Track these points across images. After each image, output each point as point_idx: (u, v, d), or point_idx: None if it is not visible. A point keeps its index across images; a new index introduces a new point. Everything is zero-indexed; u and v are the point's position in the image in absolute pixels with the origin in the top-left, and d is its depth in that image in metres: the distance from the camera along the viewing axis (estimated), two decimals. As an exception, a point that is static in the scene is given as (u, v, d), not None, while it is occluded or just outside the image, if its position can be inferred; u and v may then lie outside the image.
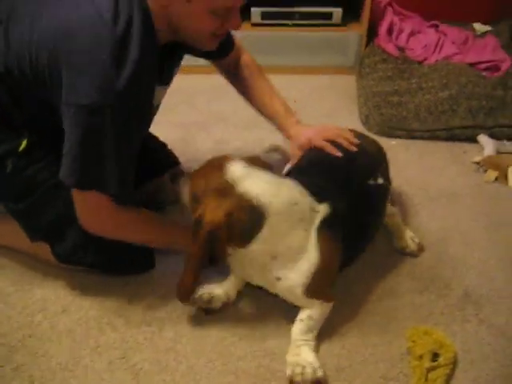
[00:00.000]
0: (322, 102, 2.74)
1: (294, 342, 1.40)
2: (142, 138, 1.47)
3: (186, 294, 1.42)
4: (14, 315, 1.56)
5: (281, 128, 1.80)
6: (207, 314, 1.53)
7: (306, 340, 1.40)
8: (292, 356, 1.37)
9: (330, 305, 1.45)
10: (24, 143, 1.53)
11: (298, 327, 1.41)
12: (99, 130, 1.31)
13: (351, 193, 1.51)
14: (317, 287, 1.39)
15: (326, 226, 1.40)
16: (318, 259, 1.37)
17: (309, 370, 1.32)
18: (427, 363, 1.35)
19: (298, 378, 1.32)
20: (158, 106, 1.64)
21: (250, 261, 1.39)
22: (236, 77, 1.87)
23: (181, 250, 1.53)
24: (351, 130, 1.76)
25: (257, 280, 1.47)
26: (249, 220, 1.31)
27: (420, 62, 2.76)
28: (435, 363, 1.36)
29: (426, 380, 1.33)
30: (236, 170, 1.35)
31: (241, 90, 1.88)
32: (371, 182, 1.60)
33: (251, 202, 1.31)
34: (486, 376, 1.37)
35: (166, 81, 1.61)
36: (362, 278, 1.65)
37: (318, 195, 1.42)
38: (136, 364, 1.41)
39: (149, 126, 1.65)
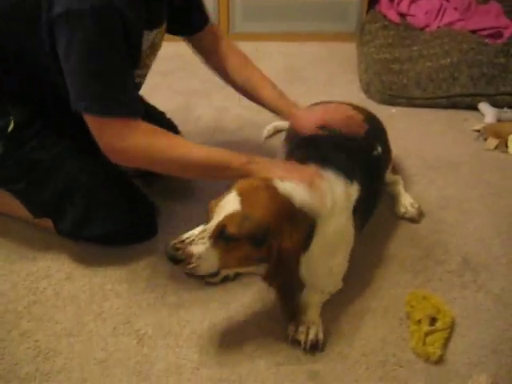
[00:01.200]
0: (321, 69, 2.73)
1: (303, 302, 1.42)
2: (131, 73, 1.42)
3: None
4: (19, 282, 1.58)
5: (281, 115, 1.70)
6: (206, 285, 1.53)
7: (315, 303, 1.43)
8: (298, 314, 1.40)
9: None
10: (12, 124, 1.52)
11: (315, 295, 1.43)
12: (88, 41, 1.27)
13: (362, 168, 1.51)
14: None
15: (356, 209, 1.42)
16: (351, 243, 1.43)
17: (312, 331, 1.36)
18: (425, 327, 1.38)
19: (301, 337, 1.36)
20: (155, 47, 1.59)
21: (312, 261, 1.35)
22: (218, 64, 1.76)
23: (229, 176, 1.38)
24: (347, 104, 1.73)
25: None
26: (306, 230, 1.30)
27: (421, 29, 2.75)
28: (433, 327, 1.39)
29: (424, 344, 1.36)
30: (286, 188, 1.28)
31: (226, 77, 1.77)
32: (375, 153, 1.61)
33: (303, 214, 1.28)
34: (483, 341, 1.39)
35: (155, 23, 1.52)
36: (362, 244, 1.66)
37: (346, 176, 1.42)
38: (140, 329, 1.43)
39: (137, 66, 1.53)
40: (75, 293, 1.54)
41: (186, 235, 1.23)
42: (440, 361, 1.34)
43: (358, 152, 1.54)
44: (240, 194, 1.24)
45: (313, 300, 1.43)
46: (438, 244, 1.68)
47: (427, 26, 2.75)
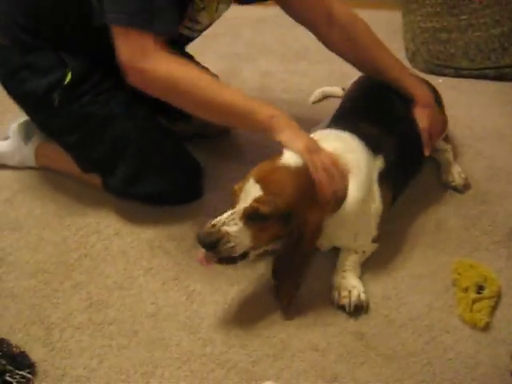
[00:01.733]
0: (366, 37, 2.68)
1: (342, 267, 1.44)
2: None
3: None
4: (70, 236, 1.62)
5: (399, 85, 1.63)
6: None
7: (353, 266, 1.44)
8: (338, 279, 1.42)
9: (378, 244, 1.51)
10: (69, 76, 1.53)
11: (350, 256, 1.45)
12: None
13: (394, 133, 1.53)
14: (378, 233, 1.47)
15: (384, 176, 1.45)
16: (383, 210, 1.44)
17: (355, 293, 1.38)
18: (473, 295, 1.38)
19: (344, 301, 1.37)
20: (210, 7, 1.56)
21: (339, 224, 1.39)
22: (331, 37, 1.65)
23: (250, 127, 1.39)
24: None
25: (335, 243, 1.48)
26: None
27: (471, -2, 2.67)
28: (480, 295, 1.39)
29: (471, 311, 1.36)
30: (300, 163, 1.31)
31: (345, 55, 1.68)
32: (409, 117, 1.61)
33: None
34: (529, 311, 1.39)
35: None
36: (409, 212, 1.67)
37: (371, 145, 1.46)
38: (189, 285, 1.46)
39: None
40: (124, 248, 1.58)
41: (214, 221, 1.26)
42: (486, 328, 1.34)
43: (395, 124, 1.57)
44: (261, 178, 1.27)
45: (349, 262, 1.45)
46: (485, 214, 1.67)
47: (476, -6, 2.68)
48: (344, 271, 1.43)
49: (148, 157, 1.62)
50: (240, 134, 1.99)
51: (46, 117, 1.63)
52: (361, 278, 1.45)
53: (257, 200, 1.24)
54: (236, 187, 1.30)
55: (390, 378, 1.24)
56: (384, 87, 1.66)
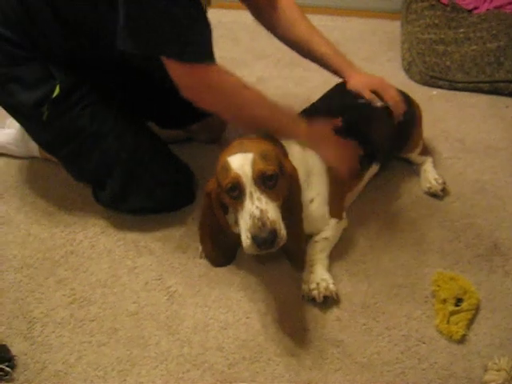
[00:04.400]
0: (363, 45, 2.70)
1: (309, 262, 1.47)
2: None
3: None
4: (58, 232, 1.64)
5: (336, 71, 1.71)
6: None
7: (320, 259, 1.48)
8: (307, 274, 1.45)
9: (344, 224, 1.57)
10: (57, 89, 1.52)
11: (313, 247, 1.49)
12: None
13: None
14: (333, 204, 1.52)
15: None
16: (327, 177, 1.49)
17: (323, 284, 1.41)
18: (451, 307, 1.40)
19: (314, 293, 1.40)
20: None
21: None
22: (272, 19, 1.74)
23: (280, 131, 1.46)
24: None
25: None
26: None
27: (470, 11, 2.69)
28: (458, 307, 1.40)
29: (448, 322, 1.38)
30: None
31: (281, 33, 1.76)
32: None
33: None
34: (507, 324, 1.40)
35: None
36: (393, 222, 1.68)
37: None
38: (171, 286, 1.48)
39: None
40: (110, 247, 1.60)
41: (250, 214, 1.21)
42: (462, 340, 1.36)
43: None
44: (243, 147, 1.29)
45: (315, 256, 1.48)
46: (470, 227, 1.68)
47: (476, 8, 2.69)
48: (311, 266, 1.46)
49: (136, 176, 1.62)
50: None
51: (35, 129, 1.63)
52: (340, 286, 1.47)
53: (255, 164, 1.24)
54: (231, 175, 1.26)
55: (364, 385, 1.26)
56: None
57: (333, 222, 1.52)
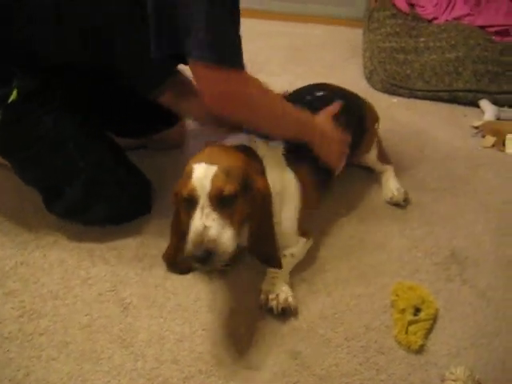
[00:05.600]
0: (326, 52, 2.71)
1: (270, 274, 1.45)
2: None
3: None
4: (7, 242, 1.58)
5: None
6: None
7: (282, 273, 1.46)
8: (267, 285, 1.43)
9: (310, 243, 1.57)
10: (14, 94, 1.46)
11: None
12: None
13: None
14: (302, 223, 1.50)
15: (291, 154, 1.49)
16: (299, 195, 1.48)
17: (282, 296, 1.39)
18: (409, 317, 1.39)
19: (272, 303, 1.38)
20: None
21: None
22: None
23: (302, 137, 1.49)
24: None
25: None
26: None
27: (430, 21, 2.73)
28: (416, 317, 1.40)
29: (407, 332, 1.37)
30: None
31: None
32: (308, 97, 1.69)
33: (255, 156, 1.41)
34: (464, 334, 1.40)
35: None
36: (353, 232, 1.68)
37: None
38: (125, 298, 1.44)
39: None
40: (63, 257, 1.55)
41: (193, 228, 1.19)
42: (420, 350, 1.35)
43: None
44: (208, 160, 1.26)
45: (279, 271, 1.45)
46: (428, 236, 1.69)
47: (436, 18, 2.73)
48: (273, 277, 1.44)
49: (99, 185, 1.57)
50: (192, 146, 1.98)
51: None
52: (299, 296, 1.45)
53: (215, 181, 1.21)
54: (182, 185, 1.25)
55: (322, 398, 1.24)
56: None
57: (302, 240, 1.52)
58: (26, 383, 1.24)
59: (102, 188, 1.58)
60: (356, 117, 1.73)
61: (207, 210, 1.20)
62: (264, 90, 1.40)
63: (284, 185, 1.45)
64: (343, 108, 1.65)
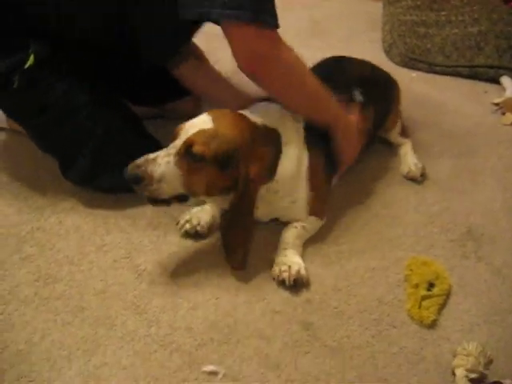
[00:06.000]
0: (344, 25, 2.67)
1: (283, 245, 1.46)
2: None
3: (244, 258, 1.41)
4: (24, 207, 1.59)
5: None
6: (196, 239, 1.52)
7: (294, 244, 1.46)
8: (280, 257, 1.43)
9: (322, 222, 1.55)
10: (31, 59, 1.46)
11: (290, 232, 1.48)
12: None
13: None
14: (315, 203, 1.48)
15: (311, 133, 1.47)
16: (309, 171, 1.45)
17: (295, 267, 1.39)
18: (422, 291, 1.39)
19: (284, 275, 1.38)
20: None
21: (275, 193, 1.41)
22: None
23: (321, 119, 1.47)
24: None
25: (273, 213, 1.50)
26: (272, 149, 1.37)
27: (452, -6, 2.66)
28: (430, 292, 1.40)
29: (420, 307, 1.37)
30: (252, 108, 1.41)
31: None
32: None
33: (272, 134, 1.37)
34: (477, 310, 1.40)
35: None
36: (368, 205, 1.67)
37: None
38: (140, 265, 1.44)
39: None
40: (79, 223, 1.55)
41: (151, 155, 1.25)
42: (433, 325, 1.35)
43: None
44: (212, 116, 1.28)
45: (290, 240, 1.46)
46: (445, 212, 1.68)
47: (458, -10, 2.67)
48: (285, 249, 1.44)
49: (108, 153, 1.57)
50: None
51: (3, 97, 1.56)
52: (312, 268, 1.45)
53: (198, 133, 1.24)
54: (182, 124, 1.29)
55: (333, 369, 1.24)
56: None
57: (312, 217, 1.51)
58: (41, 346, 1.26)
59: (109, 156, 1.57)
60: (385, 94, 1.71)
61: (172, 150, 1.24)
62: (297, 57, 1.37)
63: (299, 170, 1.43)
64: (372, 84, 1.65)
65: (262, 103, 1.49)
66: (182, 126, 1.30)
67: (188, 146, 1.24)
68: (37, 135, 1.62)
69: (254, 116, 1.39)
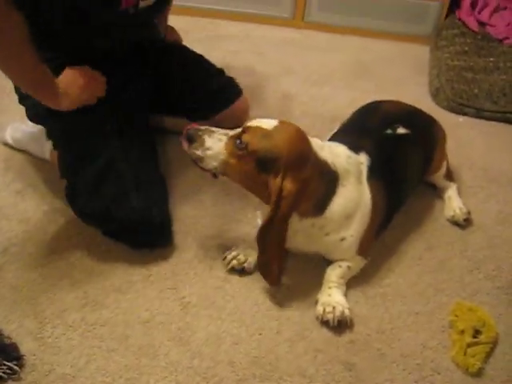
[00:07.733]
0: (392, 68, 2.69)
1: (327, 284, 1.46)
2: None
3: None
4: (74, 235, 1.63)
5: None
6: (241, 275, 1.53)
7: (339, 283, 1.46)
8: (324, 296, 1.43)
9: (366, 261, 1.53)
10: None
11: (334, 271, 1.48)
12: None
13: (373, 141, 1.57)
14: (364, 243, 1.47)
15: (373, 174, 1.48)
16: (371, 211, 1.46)
17: (339, 308, 1.38)
18: (468, 338, 1.36)
19: (328, 316, 1.38)
20: None
21: (320, 228, 1.41)
22: None
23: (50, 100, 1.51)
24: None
25: (315, 247, 1.49)
26: (325, 185, 1.38)
27: (500, 41, 2.67)
28: (476, 339, 1.37)
29: (465, 354, 1.34)
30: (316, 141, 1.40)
31: None
32: (389, 131, 1.63)
33: (326, 167, 1.38)
34: (525, 361, 1.37)
35: None
36: (413, 249, 1.66)
37: (353, 147, 1.51)
38: (185, 297, 1.46)
39: None
40: (126, 252, 1.58)
41: (213, 128, 1.37)
42: (479, 374, 1.32)
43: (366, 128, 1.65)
44: (278, 123, 1.34)
45: (334, 278, 1.46)
46: (490, 259, 1.65)
47: (507, 37, 2.67)
48: (329, 288, 1.44)
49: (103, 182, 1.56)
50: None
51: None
52: (356, 309, 1.45)
53: (255, 127, 1.33)
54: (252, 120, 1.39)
55: (375, 412, 1.23)
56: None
57: (359, 257, 1.50)
58: (86, 371, 1.28)
59: (106, 186, 1.55)
60: (427, 135, 1.72)
61: (230, 132, 1.36)
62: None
63: (358, 205, 1.43)
64: (415, 126, 1.66)
65: (335, 143, 1.51)
66: (253, 120, 1.38)
67: (242, 132, 1.33)
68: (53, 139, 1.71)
69: (321, 148, 1.39)
